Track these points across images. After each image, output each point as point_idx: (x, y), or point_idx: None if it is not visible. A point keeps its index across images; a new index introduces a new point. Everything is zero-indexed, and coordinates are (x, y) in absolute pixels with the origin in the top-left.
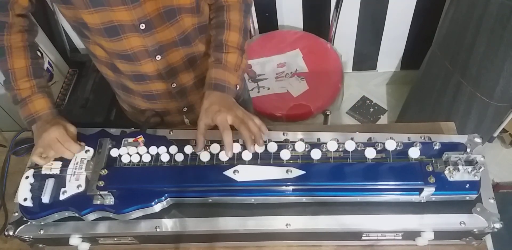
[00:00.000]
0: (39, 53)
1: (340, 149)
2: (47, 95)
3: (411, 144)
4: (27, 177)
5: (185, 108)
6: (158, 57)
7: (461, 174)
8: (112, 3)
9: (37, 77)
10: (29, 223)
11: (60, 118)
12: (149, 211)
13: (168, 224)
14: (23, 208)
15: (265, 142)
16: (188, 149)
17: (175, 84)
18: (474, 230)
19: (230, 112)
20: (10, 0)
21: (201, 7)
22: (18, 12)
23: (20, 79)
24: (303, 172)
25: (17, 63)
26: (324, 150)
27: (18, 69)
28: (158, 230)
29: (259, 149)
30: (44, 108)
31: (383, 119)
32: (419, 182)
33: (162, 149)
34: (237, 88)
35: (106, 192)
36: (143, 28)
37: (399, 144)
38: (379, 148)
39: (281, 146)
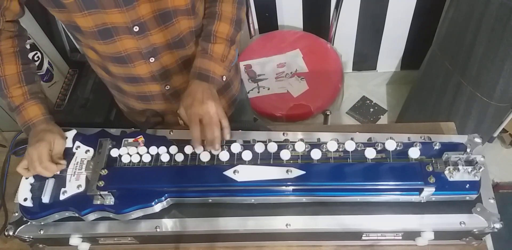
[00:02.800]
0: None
1: (340, 149)
2: (40, 101)
3: (411, 144)
4: (27, 177)
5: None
6: (152, 60)
7: (461, 174)
8: (106, 5)
9: (29, 83)
10: (29, 223)
11: (52, 128)
12: (149, 211)
13: (168, 224)
14: (23, 208)
15: (264, 142)
16: (188, 149)
17: (168, 86)
18: (474, 230)
19: (202, 108)
20: (1, 7)
21: (196, 8)
22: (9, 18)
23: (12, 86)
24: (303, 172)
25: (8, 69)
26: (324, 150)
27: (10, 76)
28: (158, 230)
29: (215, 152)
30: (37, 115)
31: (383, 119)
32: (419, 182)
33: (162, 149)
34: (223, 79)
35: (106, 192)
36: (136, 30)
37: (399, 144)
38: (379, 148)
39: (281, 146)
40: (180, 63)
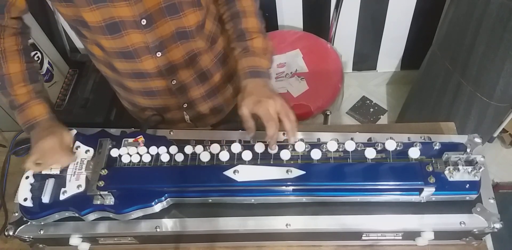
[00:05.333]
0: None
1: (340, 149)
2: (45, 100)
3: (411, 144)
4: (27, 177)
5: (185, 104)
6: (159, 54)
7: (461, 174)
8: None
9: (33, 82)
10: (29, 223)
11: (58, 124)
12: (149, 211)
13: (168, 224)
14: (23, 208)
15: (264, 142)
16: (188, 149)
17: (175, 81)
18: (474, 230)
19: (271, 103)
20: (6, 3)
21: (202, 0)
22: (14, 15)
23: (16, 84)
24: (303, 172)
25: (12, 68)
26: (324, 150)
27: (14, 74)
28: (158, 230)
29: (294, 140)
30: (42, 114)
31: (383, 120)
32: (419, 182)
33: (162, 149)
34: (269, 71)
35: (106, 192)
36: (144, 24)
37: (399, 144)
38: (379, 148)
39: (281, 146)
40: (187, 58)
